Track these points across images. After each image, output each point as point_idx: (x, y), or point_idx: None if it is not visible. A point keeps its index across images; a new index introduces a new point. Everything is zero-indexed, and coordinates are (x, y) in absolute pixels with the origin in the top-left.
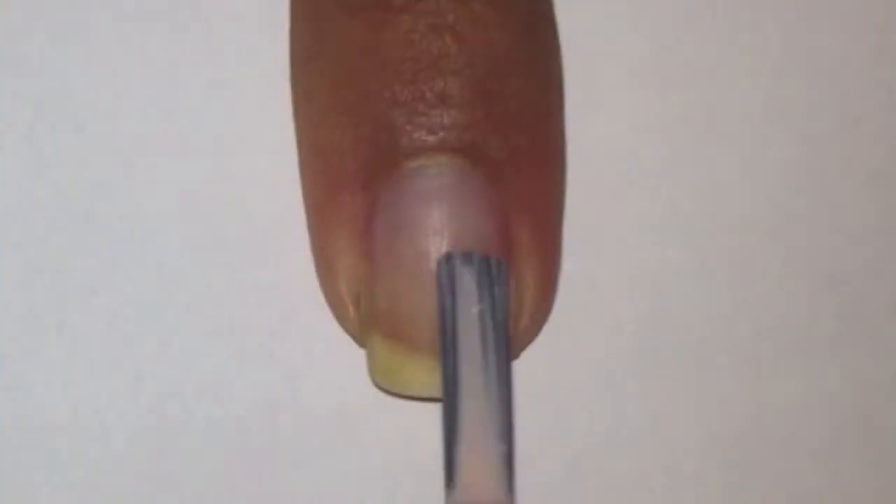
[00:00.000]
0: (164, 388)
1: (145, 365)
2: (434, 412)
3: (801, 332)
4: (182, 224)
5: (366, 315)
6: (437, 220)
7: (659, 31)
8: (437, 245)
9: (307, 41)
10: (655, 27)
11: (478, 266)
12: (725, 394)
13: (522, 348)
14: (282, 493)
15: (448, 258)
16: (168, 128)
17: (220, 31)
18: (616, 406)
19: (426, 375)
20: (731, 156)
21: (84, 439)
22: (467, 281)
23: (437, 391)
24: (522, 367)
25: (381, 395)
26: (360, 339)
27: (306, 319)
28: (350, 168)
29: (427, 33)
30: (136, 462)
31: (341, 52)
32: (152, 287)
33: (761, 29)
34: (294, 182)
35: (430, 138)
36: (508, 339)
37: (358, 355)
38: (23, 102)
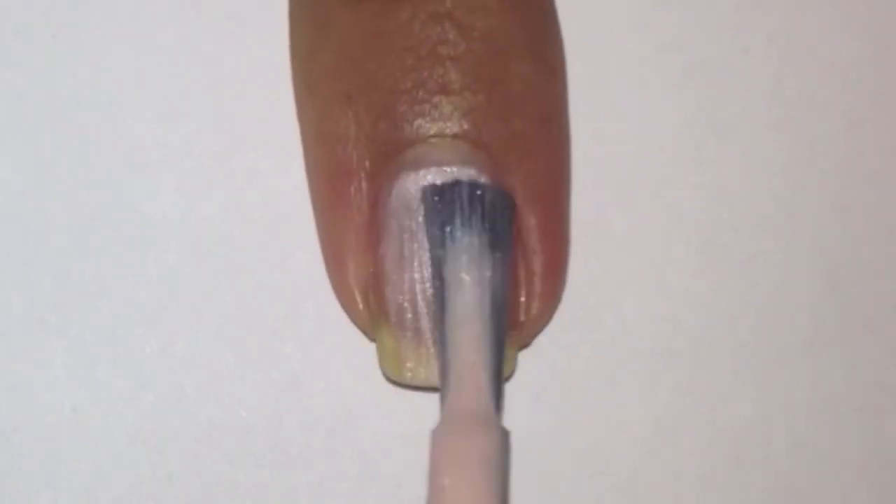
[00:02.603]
0: (166, 389)
1: (147, 366)
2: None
3: (804, 333)
4: (184, 225)
5: (375, 308)
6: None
7: (662, 32)
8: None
9: (309, 35)
10: (658, 28)
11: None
12: (728, 394)
13: (534, 335)
14: (285, 495)
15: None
16: (169, 128)
17: (222, 30)
18: (619, 406)
19: (436, 366)
20: (733, 156)
21: (85, 440)
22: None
23: None
24: (526, 367)
25: (384, 395)
26: (370, 332)
27: (309, 320)
28: (353, 159)
29: (427, 21)
30: (138, 464)
31: (344, 43)
32: (154, 288)
33: (763, 30)
34: (295, 183)
35: (432, 125)
36: (503, 262)
37: (361, 356)
38: (24, 103)
